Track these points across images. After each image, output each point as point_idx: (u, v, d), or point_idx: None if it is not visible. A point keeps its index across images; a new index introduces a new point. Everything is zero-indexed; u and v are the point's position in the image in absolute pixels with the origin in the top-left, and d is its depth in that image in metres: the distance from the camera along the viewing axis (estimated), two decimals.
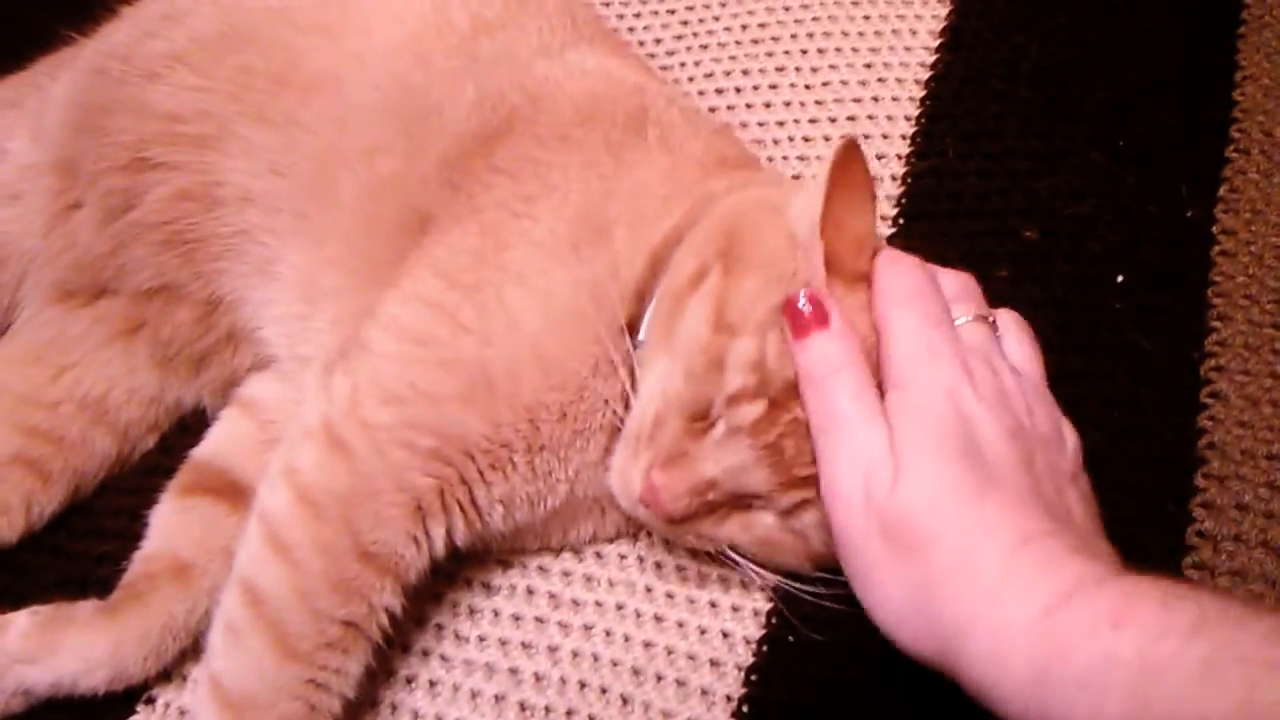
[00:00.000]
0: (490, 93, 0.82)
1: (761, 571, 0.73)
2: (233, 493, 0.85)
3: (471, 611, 0.82)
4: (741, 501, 0.70)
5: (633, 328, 0.74)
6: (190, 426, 0.98)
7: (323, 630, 0.69)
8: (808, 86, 1.07)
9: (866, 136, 1.02)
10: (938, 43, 1.06)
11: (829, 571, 0.71)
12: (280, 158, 0.85)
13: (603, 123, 0.80)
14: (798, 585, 0.72)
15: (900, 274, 0.69)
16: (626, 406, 0.72)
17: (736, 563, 0.74)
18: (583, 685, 0.76)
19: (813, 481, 0.67)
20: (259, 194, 0.86)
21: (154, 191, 0.89)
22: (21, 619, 0.78)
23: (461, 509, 0.73)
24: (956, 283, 0.72)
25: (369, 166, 0.82)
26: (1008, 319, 0.73)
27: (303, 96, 0.85)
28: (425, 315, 0.74)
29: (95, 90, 0.94)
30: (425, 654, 0.79)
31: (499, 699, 0.76)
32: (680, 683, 0.75)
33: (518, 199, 0.76)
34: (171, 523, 0.85)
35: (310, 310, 0.84)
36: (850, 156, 0.68)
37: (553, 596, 0.82)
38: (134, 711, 0.81)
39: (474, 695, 0.77)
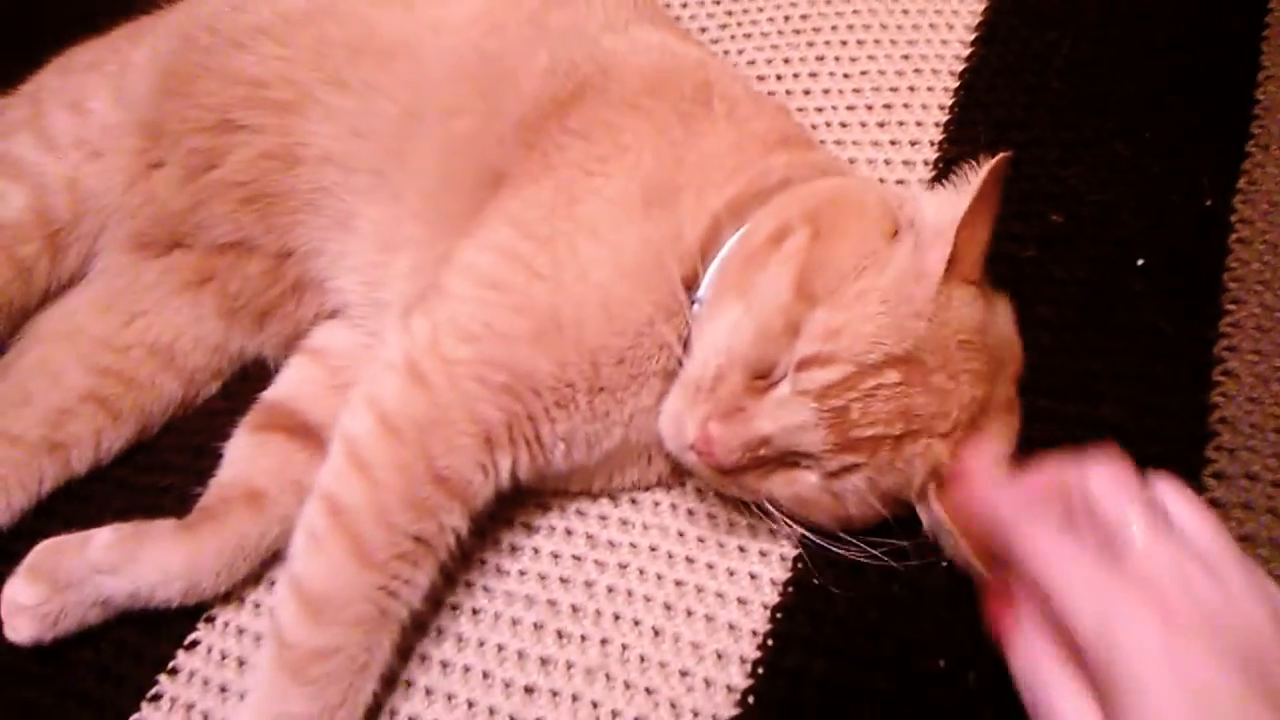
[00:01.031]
0: (562, 61, 0.88)
1: (789, 523, 0.78)
2: (303, 431, 0.91)
3: (513, 549, 0.87)
4: (789, 459, 0.74)
5: (690, 285, 0.79)
6: (251, 374, 1.05)
7: (396, 543, 0.74)
8: (846, 75, 1.12)
9: (901, 123, 1.07)
10: (973, 36, 1.11)
11: (850, 532, 0.76)
12: (359, 121, 0.91)
13: (671, 93, 0.86)
14: (820, 539, 0.77)
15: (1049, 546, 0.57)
16: (681, 356, 0.77)
17: (768, 513, 0.78)
18: (617, 617, 0.81)
19: (868, 446, 0.71)
20: (339, 154, 0.92)
21: (237, 152, 0.96)
22: (105, 533, 0.84)
23: (527, 443, 0.78)
24: (1107, 479, 0.60)
25: (446, 127, 0.88)
26: (1167, 490, 0.60)
27: (380, 64, 0.92)
28: (501, 262, 0.80)
29: (183, 57, 1.01)
30: (469, 585, 0.84)
31: (538, 627, 0.81)
32: (709, 618, 0.80)
33: (591, 159, 0.82)
34: (246, 455, 0.91)
35: (388, 259, 0.90)
36: (1002, 173, 0.72)
37: (590, 537, 0.87)
38: (194, 629, 0.86)
39: (514, 623, 0.82)
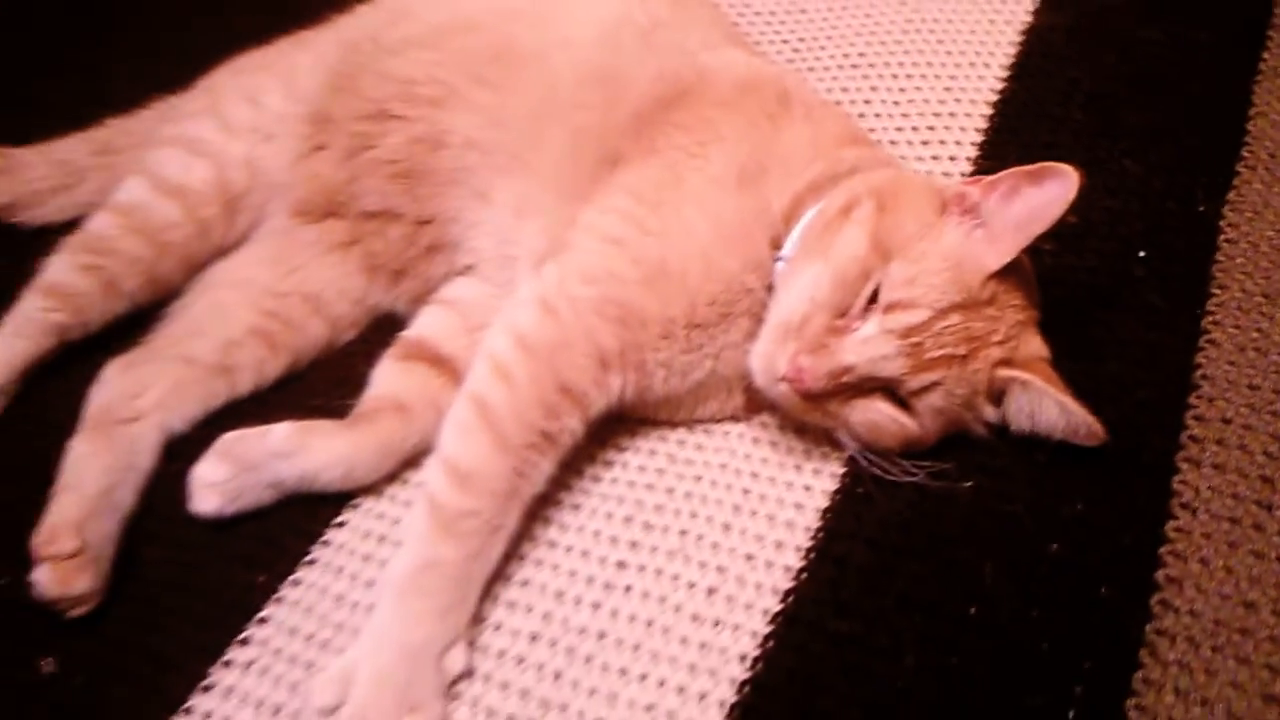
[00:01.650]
0: (668, 70, 1.09)
1: (853, 446, 0.95)
2: (439, 362, 1.10)
3: (607, 463, 1.04)
4: (867, 385, 0.91)
5: (774, 247, 0.98)
6: (383, 326, 1.24)
7: (527, 436, 0.92)
8: (895, 103, 1.32)
9: (942, 142, 1.26)
10: (1006, 74, 1.30)
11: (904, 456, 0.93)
12: (498, 113, 1.11)
13: (758, 97, 1.06)
14: (877, 461, 0.93)
15: None
16: (765, 300, 0.96)
17: (837, 438, 0.96)
18: (693, 515, 0.98)
19: (941, 364, 0.88)
20: (480, 140, 1.12)
21: (391, 136, 1.16)
22: (283, 425, 1.02)
23: (634, 367, 0.96)
24: None
25: (573, 119, 1.08)
26: None
27: (517, 69, 1.12)
28: (619, 222, 0.99)
29: (348, 61, 1.22)
30: (573, 487, 1.02)
31: (627, 520, 0.98)
32: (770, 517, 0.97)
33: (693, 144, 1.02)
34: (392, 377, 1.10)
35: (521, 223, 1.09)
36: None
37: (670, 456, 1.04)
38: (342, 513, 1.04)
39: (608, 515, 0.99)
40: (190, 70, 1.39)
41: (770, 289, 0.98)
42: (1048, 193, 0.89)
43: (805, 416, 0.96)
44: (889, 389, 0.91)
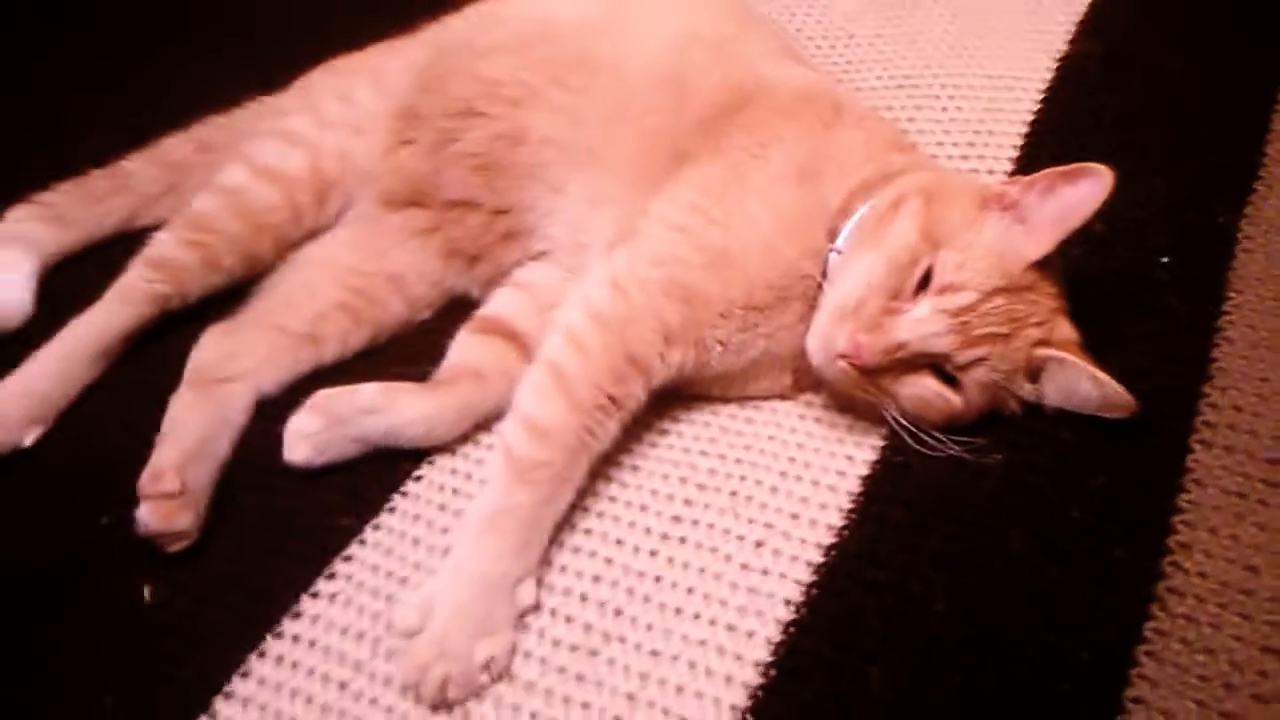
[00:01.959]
0: (731, 78, 1.20)
1: (900, 420, 1.03)
2: (513, 337, 1.20)
3: (664, 431, 1.14)
4: (919, 361, 1.00)
5: (830, 239, 1.08)
6: (455, 307, 1.34)
7: (597, 398, 1.02)
8: (938, 120, 1.42)
9: (981, 157, 1.36)
10: (1042, 96, 1.40)
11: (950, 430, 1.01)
12: (575, 113, 1.22)
13: (814, 106, 1.17)
14: (920, 434, 1.02)
15: None
16: (819, 285, 1.05)
17: (885, 412, 1.04)
18: (743, 478, 1.07)
19: (987, 341, 0.98)
20: (557, 138, 1.23)
21: (474, 132, 1.27)
22: (371, 385, 1.12)
23: (695, 343, 1.06)
24: None
25: (644, 121, 1.19)
26: None
27: (594, 75, 1.23)
28: (685, 212, 1.09)
29: (438, 63, 1.34)
30: (633, 450, 1.11)
31: (682, 480, 1.07)
32: (814, 482, 1.05)
33: (755, 145, 1.12)
34: (470, 348, 1.20)
35: (593, 213, 1.19)
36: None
37: (723, 428, 1.14)
38: (420, 468, 1.14)
39: (664, 476, 1.08)
40: (240, 83, 1.53)
41: (823, 277, 1.07)
42: (1082, 190, 0.98)
43: (856, 392, 1.04)
44: (936, 367, 1.00)
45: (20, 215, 1.41)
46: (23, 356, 1.23)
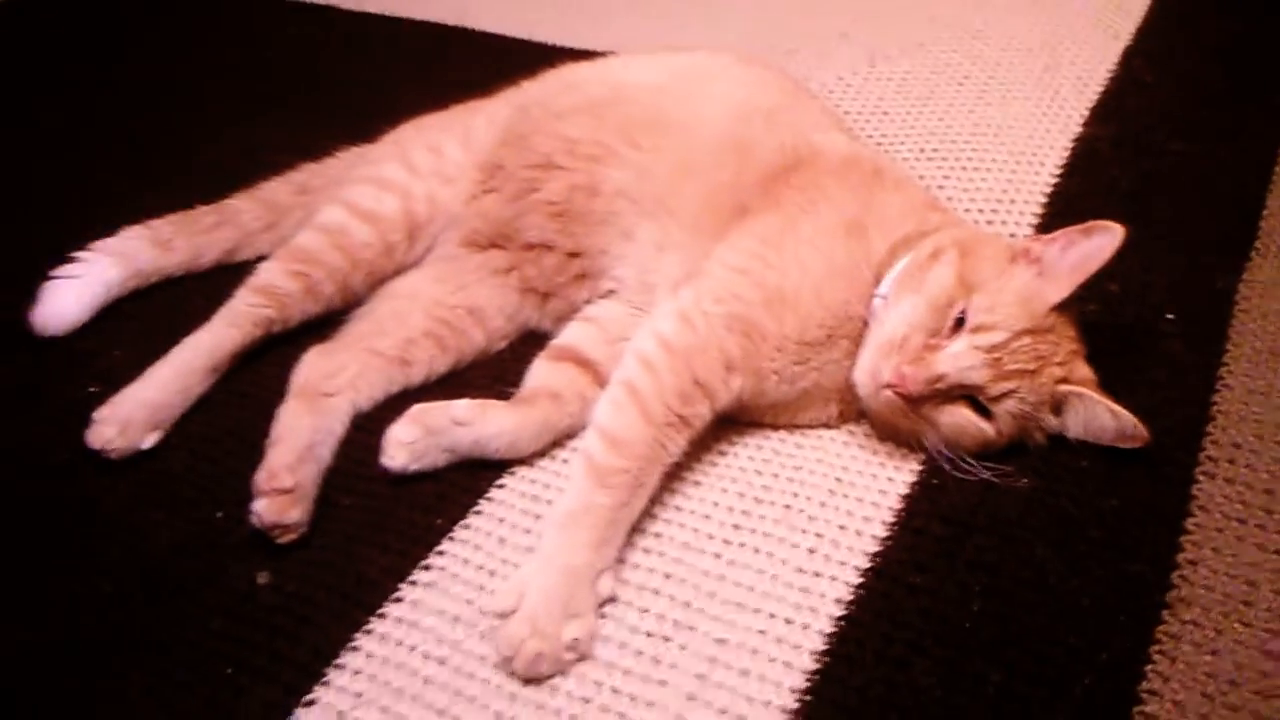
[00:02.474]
0: (787, 144, 1.36)
1: (939, 448, 1.16)
2: (584, 364, 1.34)
3: (721, 453, 1.27)
4: (955, 393, 1.14)
5: (874, 284, 1.22)
6: (528, 339, 1.48)
7: (667, 415, 1.15)
8: (964, 190, 1.58)
9: (1003, 223, 1.51)
10: (1059, 171, 1.57)
11: (981, 457, 1.15)
12: (646, 168, 1.38)
13: (858, 170, 1.32)
14: (956, 460, 1.15)
15: None
16: (864, 327, 1.20)
17: (922, 441, 1.17)
18: (794, 494, 1.20)
19: (1016, 376, 1.11)
20: (629, 190, 1.38)
21: (553, 183, 1.43)
22: (463, 400, 1.25)
23: (752, 372, 1.20)
24: None
25: (710, 177, 1.34)
26: None
27: (664, 134, 1.39)
28: (745, 257, 1.24)
29: (520, 121, 1.50)
30: (694, 469, 1.24)
31: (740, 494, 1.21)
32: (858, 499, 1.19)
33: (807, 201, 1.27)
34: (546, 372, 1.34)
35: (661, 256, 1.34)
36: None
37: (774, 450, 1.27)
38: (502, 478, 1.27)
39: (724, 490, 1.21)
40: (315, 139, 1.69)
41: (867, 320, 1.21)
42: (1096, 243, 1.13)
43: (899, 420, 1.18)
44: (971, 398, 1.14)
45: (130, 234, 1.57)
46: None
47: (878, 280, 1.23)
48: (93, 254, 1.53)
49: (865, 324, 1.22)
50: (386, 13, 2.33)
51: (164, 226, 1.58)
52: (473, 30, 2.25)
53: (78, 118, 2.05)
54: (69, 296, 1.50)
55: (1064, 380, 1.14)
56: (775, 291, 1.21)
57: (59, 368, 1.47)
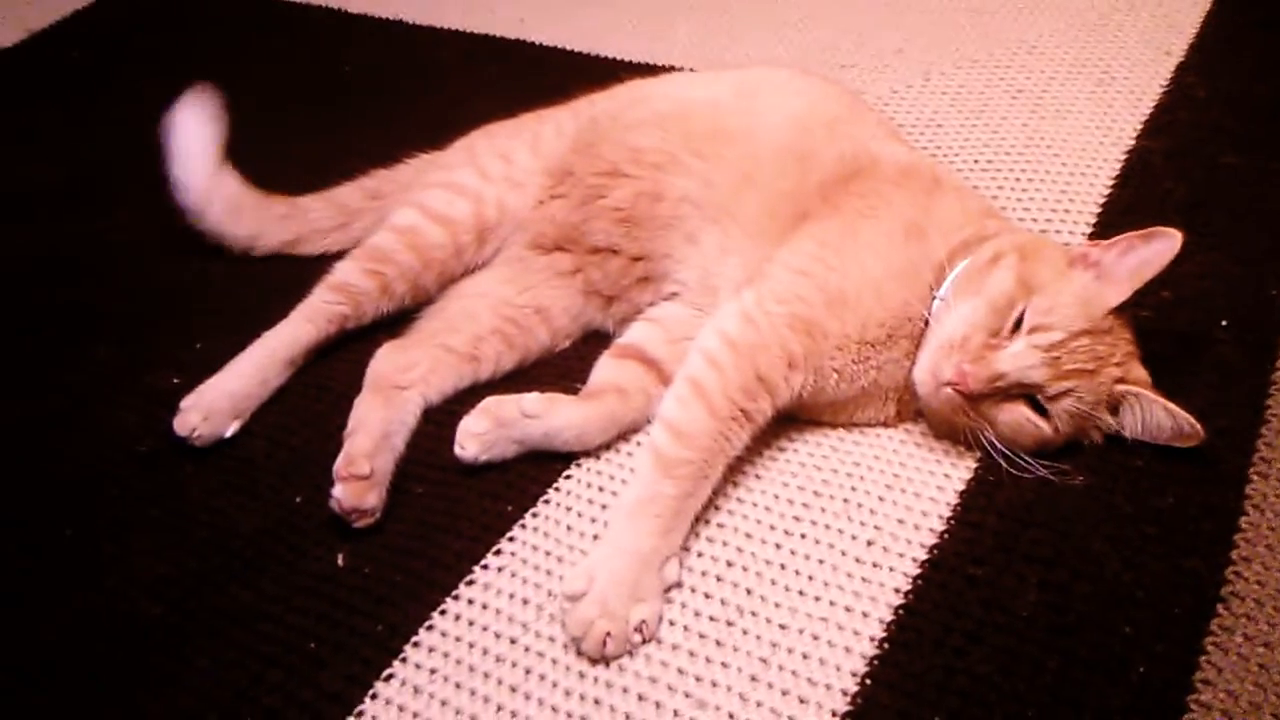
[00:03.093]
0: (846, 153, 1.40)
1: (995, 444, 1.19)
2: (648, 361, 1.39)
3: (781, 449, 1.31)
4: (1014, 392, 1.17)
5: (934, 286, 1.26)
6: (590, 339, 1.53)
7: (730, 409, 1.19)
8: (1018, 200, 1.61)
9: (1058, 232, 1.54)
10: (1112, 182, 1.59)
11: (1038, 455, 1.18)
12: (710, 177, 1.42)
13: (917, 178, 1.36)
14: (1012, 457, 1.18)
15: None
16: (923, 328, 1.24)
17: (979, 439, 1.20)
18: (853, 489, 1.24)
19: (1074, 375, 1.14)
20: (693, 197, 1.43)
21: (620, 189, 1.48)
22: (532, 394, 1.31)
23: (814, 370, 1.24)
24: None
25: (772, 185, 1.38)
26: None
27: (727, 144, 1.44)
28: (807, 260, 1.28)
29: (589, 131, 1.56)
30: (756, 462, 1.28)
31: (800, 488, 1.24)
32: (916, 494, 1.22)
33: (867, 207, 1.31)
34: (611, 369, 1.39)
35: (724, 260, 1.39)
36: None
37: (833, 448, 1.31)
38: (568, 469, 1.32)
39: (784, 484, 1.25)
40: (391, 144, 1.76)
41: (927, 321, 1.25)
42: (1155, 248, 1.16)
43: (958, 418, 1.21)
44: (1029, 397, 1.17)
45: (225, 178, 1.65)
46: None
47: (937, 283, 1.26)
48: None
49: (925, 325, 1.25)
50: (450, 27, 2.40)
51: (244, 196, 1.66)
52: (532, 43, 2.31)
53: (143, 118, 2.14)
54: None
55: (1121, 380, 1.17)
56: (836, 292, 1.26)
57: (143, 359, 1.55)
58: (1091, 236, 1.53)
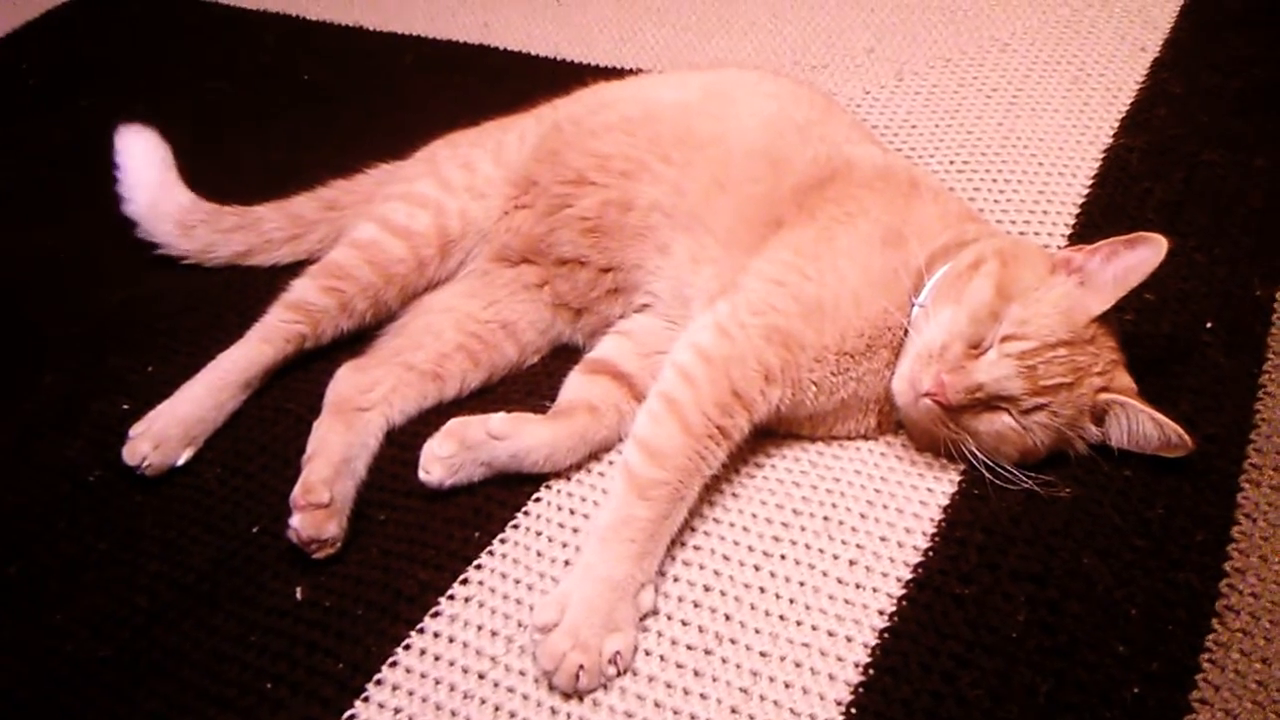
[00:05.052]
0: (820, 156, 1.35)
1: (977, 455, 1.15)
2: (619, 377, 1.33)
3: (758, 465, 1.26)
4: (994, 403, 1.12)
5: (912, 294, 1.21)
6: (559, 353, 1.48)
7: (706, 426, 1.14)
8: (995, 202, 1.57)
9: (1036, 234, 1.50)
10: (1090, 182, 1.56)
11: (1019, 466, 1.14)
12: (680, 184, 1.37)
13: (894, 182, 1.31)
14: (996, 469, 1.14)
15: None
16: (903, 337, 1.19)
17: (961, 451, 1.15)
18: (833, 505, 1.19)
19: (1051, 391, 1.10)
20: (663, 205, 1.38)
21: (586, 198, 1.43)
22: (499, 414, 1.25)
23: (791, 383, 1.19)
24: None
25: (743, 190, 1.34)
26: None
27: (697, 149, 1.39)
28: (782, 269, 1.23)
29: (552, 138, 1.51)
30: (734, 480, 1.23)
31: (779, 506, 1.19)
32: (898, 510, 1.17)
33: (842, 214, 1.26)
34: (582, 385, 1.34)
35: (696, 270, 1.33)
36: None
37: (812, 462, 1.26)
38: (539, 491, 1.26)
39: (762, 503, 1.20)
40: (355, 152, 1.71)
41: (907, 329, 1.21)
42: (1141, 254, 1.12)
43: (937, 430, 1.16)
44: (1010, 409, 1.13)
45: (177, 195, 1.65)
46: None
47: (917, 290, 1.22)
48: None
49: (905, 334, 1.21)
50: (412, 33, 2.34)
51: (195, 209, 1.63)
52: (496, 48, 2.26)
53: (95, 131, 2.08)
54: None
55: (1105, 389, 1.13)
56: (813, 302, 1.21)
57: (91, 384, 1.48)
58: (1071, 238, 1.49)
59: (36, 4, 2.63)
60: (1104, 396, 1.13)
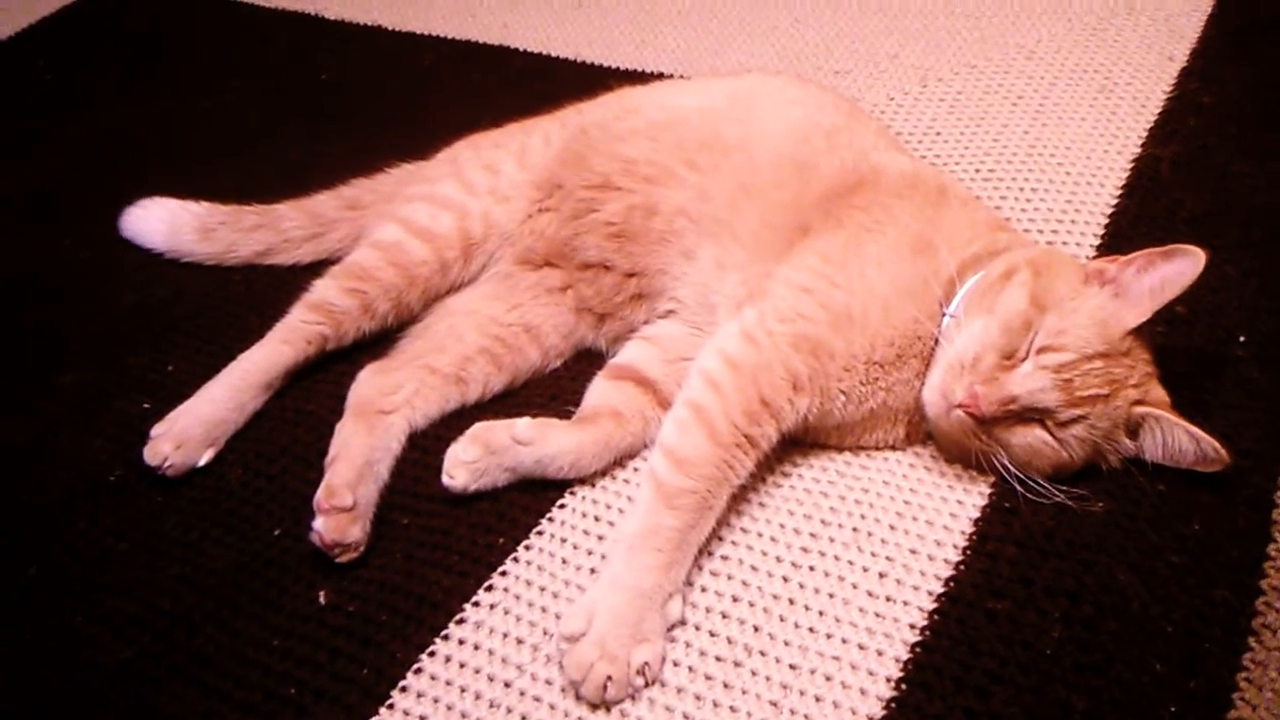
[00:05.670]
0: (848, 163, 1.34)
1: (1009, 468, 1.13)
2: (644, 383, 1.32)
3: (787, 474, 1.25)
4: (1027, 415, 1.11)
5: (943, 304, 1.20)
6: (582, 357, 1.47)
7: (734, 435, 1.13)
8: (1023, 210, 1.56)
9: (1064, 243, 1.49)
10: (1119, 192, 1.54)
11: (1052, 479, 1.12)
12: (705, 189, 1.36)
13: (922, 189, 1.30)
14: (1028, 482, 1.12)
15: None
16: (932, 349, 1.18)
17: (993, 463, 1.14)
18: (862, 517, 1.18)
19: (1088, 402, 1.09)
20: (689, 210, 1.37)
21: (612, 203, 1.42)
22: (524, 419, 1.24)
23: (819, 392, 1.18)
24: None
25: (770, 196, 1.32)
26: None
27: (723, 155, 1.38)
28: (810, 276, 1.22)
29: (578, 142, 1.49)
30: (761, 489, 1.22)
31: (807, 517, 1.18)
32: (928, 522, 1.16)
33: (871, 221, 1.25)
34: (606, 391, 1.32)
35: (721, 276, 1.32)
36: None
37: (840, 473, 1.25)
38: (564, 497, 1.25)
39: (790, 513, 1.19)
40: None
41: (937, 339, 1.20)
42: (1178, 266, 1.11)
43: (968, 442, 1.15)
44: (1044, 421, 1.11)
45: (187, 205, 1.68)
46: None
47: (947, 299, 1.21)
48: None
49: (935, 344, 1.20)
50: (430, 33, 2.34)
51: (211, 216, 1.64)
52: (516, 49, 2.25)
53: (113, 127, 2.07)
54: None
55: (1140, 402, 1.12)
56: (842, 310, 1.20)
57: (113, 384, 1.47)
58: (1099, 248, 1.48)
59: (50, 0, 2.63)
60: (1139, 410, 1.12)
